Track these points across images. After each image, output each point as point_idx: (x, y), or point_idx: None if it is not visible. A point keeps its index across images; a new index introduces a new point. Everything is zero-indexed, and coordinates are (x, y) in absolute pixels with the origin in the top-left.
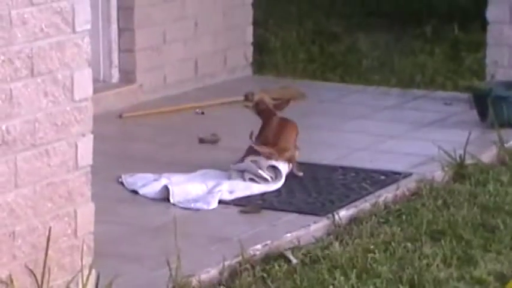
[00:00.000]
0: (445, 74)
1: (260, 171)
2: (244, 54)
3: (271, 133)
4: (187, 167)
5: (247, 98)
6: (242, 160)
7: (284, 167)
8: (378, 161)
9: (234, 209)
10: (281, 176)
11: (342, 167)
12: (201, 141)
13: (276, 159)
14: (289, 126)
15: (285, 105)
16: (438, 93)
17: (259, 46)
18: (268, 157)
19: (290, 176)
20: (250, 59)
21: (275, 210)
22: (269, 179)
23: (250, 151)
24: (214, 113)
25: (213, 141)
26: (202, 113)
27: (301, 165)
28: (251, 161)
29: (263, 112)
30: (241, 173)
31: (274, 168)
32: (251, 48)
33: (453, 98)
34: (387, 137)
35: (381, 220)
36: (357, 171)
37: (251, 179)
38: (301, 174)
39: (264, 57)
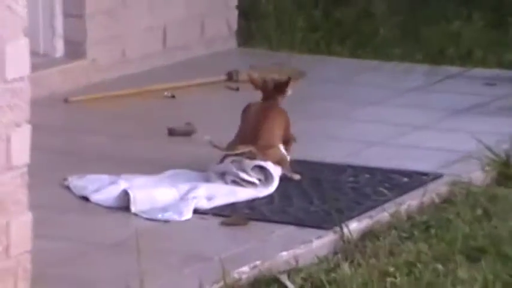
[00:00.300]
0: (485, 46)
1: (243, 174)
2: (227, 21)
3: (249, 126)
4: (153, 167)
5: (230, 77)
6: (222, 160)
7: (275, 168)
8: (399, 158)
9: (213, 220)
10: (273, 178)
11: (353, 167)
12: (171, 132)
13: (263, 159)
14: (273, 114)
15: (285, 86)
16: (477, 70)
17: (246, 11)
18: (250, 157)
19: (286, 178)
20: (235, 27)
21: (266, 221)
22: (256, 182)
23: (231, 148)
24: (188, 97)
25: (187, 133)
26: (173, 96)
27: (300, 164)
28: (232, 161)
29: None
30: (222, 175)
31: (262, 168)
32: (235, 14)
33: (496, 76)
34: (411, 128)
35: (403, 235)
36: (372, 171)
37: (234, 182)
38: (298, 177)
39: (252, 25)
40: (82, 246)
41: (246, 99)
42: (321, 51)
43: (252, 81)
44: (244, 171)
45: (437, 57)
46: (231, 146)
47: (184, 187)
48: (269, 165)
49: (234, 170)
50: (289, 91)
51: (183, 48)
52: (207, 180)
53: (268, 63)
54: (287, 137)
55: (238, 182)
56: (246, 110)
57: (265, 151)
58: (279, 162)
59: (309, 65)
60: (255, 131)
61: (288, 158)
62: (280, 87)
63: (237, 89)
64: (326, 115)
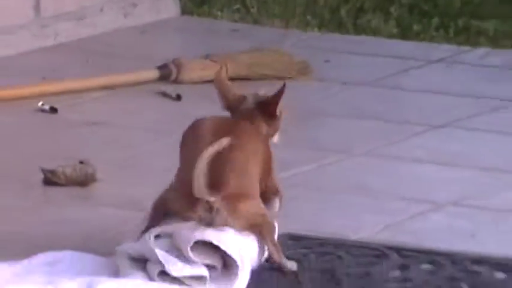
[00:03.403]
0: None
1: (172, 266)
2: None
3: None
4: (15, 244)
5: (165, 74)
6: (141, 233)
7: (248, 245)
8: (491, 234)
9: None
10: (240, 265)
11: (400, 249)
12: (50, 178)
13: (225, 224)
14: (246, 139)
15: (274, 102)
16: None
17: None
18: (205, 219)
19: (272, 268)
20: None
21: None
22: (205, 274)
23: (157, 215)
24: (83, 113)
25: (79, 179)
26: (53, 109)
27: (299, 242)
28: (156, 236)
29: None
30: (142, 263)
31: (215, 248)
32: None
33: None
34: None
35: None
36: (438, 259)
37: (164, 274)
38: (294, 267)
39: None
40: None
41: (191, 115)
42: (342, 25)
43: (220, 89)
44: (180, 254)
45: None
46: (167, 200)
47: (70, 286)
48: (233, 238)
49: (162, 253)
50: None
51: (73, 17)
52: (115, 272)
53: (240, 47)
54: (267, 186)
55: (174, 275)
56: (194, 132)
57: (234, 205)
58: (257, 228)
59: (318, 53)
60: (216, 170)
61: (275, 226)
62: (268, 107)
63: (178, 97)
64: (349, 147)
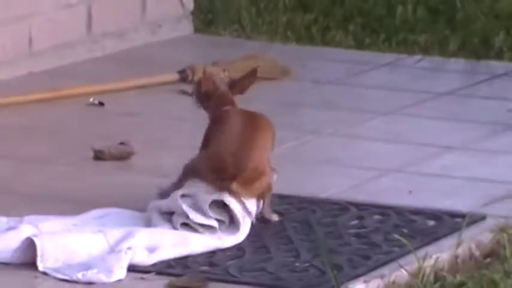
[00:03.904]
0: None
1: (196, 215)
2: None
3: (228, 141)
4: (71, 204)
5: (184, 77)
6: (167, 194)
7: (252, 205)
8: (423, 192)
9: (157, 281)
10: (240, 221)
11: (357, 204)
12: (99, 156)
13: (243, 196)
14: (261, 126)
15: (247, 82)
16: None
17: None
18: (235, 195)
19: (260, 220)
20: (191, 6)
21: (233, 283)
22: (215, 225)
23: (187, 176)
24: (123, 106)
25: (121, 156)
26: (101, 104)
27: (282, 200)
28: (182, 195)
29: (210, 99)
30: (169, 216)
31: (224, 205)
32: None
33: None
34: (441, 149)
35: None
36: (385, 211)
37: (186, 225)
38: (276, 218)
39: (215, 2)
40: None
41: None
42: (313, 39)
43: (201, 80)
44: (199, 210)
45: (479, 48)
46: (197, 168)
47: (115, 233)
48: (241, 202)
49: (186, 207)
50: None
51: (116, 34)
52: (148, 223)
53: (238, 56)
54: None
55: (192, 225)
56: (223, 119)
57: (251, 183)
58: (262, 196)
59: (296, 60)
60: (243, 152)
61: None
62: (239, 84)
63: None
64: (320, 130)
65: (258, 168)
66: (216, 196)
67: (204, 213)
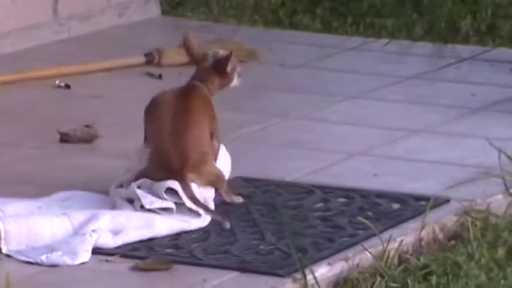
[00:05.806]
0: None
1: (150, 203)
2: None
3: (165, 133)
4: (36, 186)
5: (150, 59)
6: (127, 183)
7: (208, 192)
8: (388, 175)
9: (122, 264)
10: (204, 204)
11: (322, 187)
12: (64, 138)
13: (197, 183)
14: (196, 109)
15: (225, 65)
16: (502, 51)
17: None
18: (188, 185)
19: (224, 203)
20: None
21: (197, 265)
22: (172, 206)
23: (139, 178)
24: (89, 88)
25: (86, 138)
26: (67, 86)
27: (247, 183)
28: (139, 187)
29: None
30: (130, 201)
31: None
32: None
33: None
34: (406, 132)
35: (393, 285)
36: (350, 194)
37: (144, 208)
38: (240, 200)
39: None
40: None
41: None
42: (280, 22)
43: (186, 47)
44: (155, 195)
45: (445, 32)
46: (146, 172)
47: (79, 216)
48: (195, 188)
49: (140, 192)
50: (236, 80)
51: (82, 17)
52: (113, 206)
53: (205, 38)
54: (212, 137)
55: (154, 209)
56: (152, 109)
57: (199, 171)
58: (213, 183)
59: (263, 43)
60: (179, 145)
61: (225, 177)
62: (220, 66)
63: (160, 77)
64: (286, 113)
65: (202, 150)
66: (170, 184)
67: (159, 198)
